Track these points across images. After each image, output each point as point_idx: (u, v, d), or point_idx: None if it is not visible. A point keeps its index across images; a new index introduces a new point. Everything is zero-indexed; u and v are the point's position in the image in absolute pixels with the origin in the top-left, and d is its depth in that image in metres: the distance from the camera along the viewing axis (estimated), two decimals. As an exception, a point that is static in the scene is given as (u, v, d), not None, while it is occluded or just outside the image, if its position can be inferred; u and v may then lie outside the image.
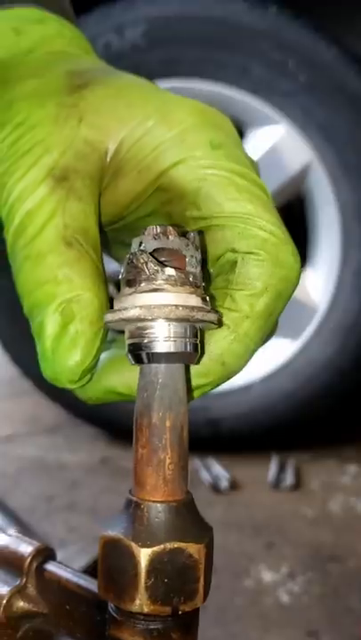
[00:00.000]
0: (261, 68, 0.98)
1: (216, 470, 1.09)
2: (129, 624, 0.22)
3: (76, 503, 1.01)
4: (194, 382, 0.25)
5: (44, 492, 1.05)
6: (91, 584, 0.25)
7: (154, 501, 0.22)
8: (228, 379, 0.27)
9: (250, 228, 0.26)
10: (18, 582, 0.25)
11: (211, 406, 1.13)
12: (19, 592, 0.25)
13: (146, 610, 0.21)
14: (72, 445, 1.22)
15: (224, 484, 1.04)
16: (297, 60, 0.97)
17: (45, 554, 0.26)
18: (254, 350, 0.27)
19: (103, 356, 0.27)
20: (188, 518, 0.22)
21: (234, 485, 1.05)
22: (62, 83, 0.26)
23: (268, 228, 0.26)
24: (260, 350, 0.94)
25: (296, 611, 0.75)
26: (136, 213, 0.27)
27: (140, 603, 0.21)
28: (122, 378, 0.27)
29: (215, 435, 1.14)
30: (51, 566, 0.26)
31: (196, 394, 0.26)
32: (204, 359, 0.26)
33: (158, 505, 0.22)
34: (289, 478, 1.05)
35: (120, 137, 0.26)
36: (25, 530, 0.91)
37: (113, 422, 1.18)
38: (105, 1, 1.02)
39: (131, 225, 0.27)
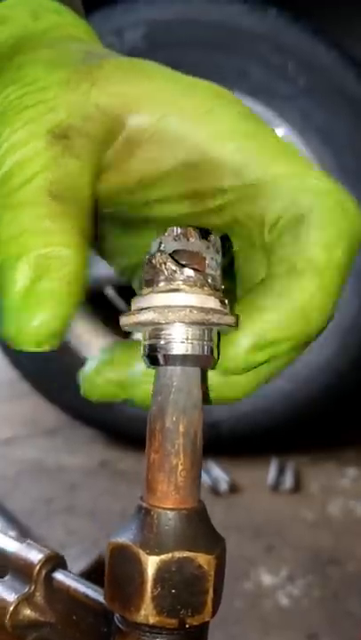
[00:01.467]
0: (260, 71, 0.98)
1: (215, 473, 1.08)
2: (134, 635, 0.21)
3: (75, 506, 1.01)
4: (270, 336, 0.23)
5: (44, 495, 1.04)
6: (99, 594, 0.24)
7: (164, 508, 0.21)
8: (310, 338, 0.24)
9: (307, 180, 0.24)
10: (26, 590, 0.25)
11: (210, 408, 1.13)
12: (26, 600, 0.25)
13: (151, 621, 0.21)
14: (71, 448, 1.22)
15: (223, 486, 1.04)
16: (296, 63, 0.97)
17: (55, 561, 0.25)
18: (334, 307, 0.25)
19: (104, 352, 0.26)
20: (200, 527, 0.22)
21: (233, 488, 1.04)
22: (77, 56, 0.25)
23: (324, 180, 0.25)
24: None
25: (296, 614, 0.74)
26: (148, 193, 0.24)
27: (146, 613, 0.21)
28: (120, 376, 0.26)
29: (215, 437, 1.14)
30: (60, 575, 0.25)
31: (267, 353, 0.23)
32: (282, 313, 0.23)
33: (169, 512, 0.21)
34: (288, 481, 1.05)
35: (139, 106, 0.24)
36: (24, 532, 0.91)
37: (112, 425, 1.18)
38: (105, 4, 1.02)
39: (139, 207, 0.25)
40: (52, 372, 1.17)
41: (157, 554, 0.21)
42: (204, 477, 1.07)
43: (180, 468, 0.22)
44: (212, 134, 0.24)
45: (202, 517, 0.22)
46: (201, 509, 0.22)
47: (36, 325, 0.22)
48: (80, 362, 1.17)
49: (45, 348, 0.22)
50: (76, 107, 0.23)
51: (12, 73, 0.24)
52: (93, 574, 0.81)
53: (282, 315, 0.23)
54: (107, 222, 0.27)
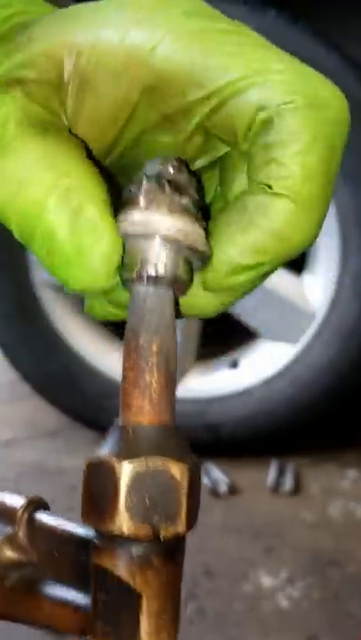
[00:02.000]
0: (260, 74, 0.98)
1: (215, 475, 1.08)
2: (109, 549, 0.22)
3: (75, 507, 1.00)
4: (246, 260, 0.22)
5: (44, 497, 1.04)
6: (80, 527, 0.25)
7: (139, 422, 0.22)
8: (290, 256, 0.22)
9: (270, 78, 0.21)
10: (9, 531, 0.25)
11: (210, 411, 1.13)
12: (9, 541, 0.25)
13: (125, 530, 0.21)
14: (72, 450, 1.22)
15: (223, 488, 1.04)
16: (296, 65, 0.97)
17: (37, 504, 0.27)
18: (321, 220, 0.22)
19: None
20: (173, 442, 0.22)
21: (233, 490, 1.04)
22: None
23: (289, 73, 0.22)
24: (260, 354, 0.96)
25: (296, 616, 0.74)
26: (127, 134, 0.22)
27: (120, 523, 0.21)
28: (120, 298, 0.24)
29: (215, 439, 1.14)
30: (41, 515, 0.26)
31: (246, 276, 0.22)
32: (258, 234, 0.21)
33: (143, 425, 0.22)
34: (288, 483, 1.05)
35: (79, 40, 0.21)
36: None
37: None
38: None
39: (126, 156, 0.23)
40: (52, 374, 1.17)
41: (131, 461, 0.21)
42: (204, 479, 1.07)
43: (155, 385, 0.22)
44: (157, 46, 0.21)
45: (175, 433, 0.23)
46: (174, 427, 0.23)
47: (101, 261, 0.20)
48: (80, 363, 1.17)
49: (116, 279, 0.21)
50: (19, 58, 0.21)
51: None
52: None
53: (253, 241, 0.21)
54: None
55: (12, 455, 1.21)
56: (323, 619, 0.74)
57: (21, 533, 0.26)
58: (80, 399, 1.17)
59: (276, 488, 1.04)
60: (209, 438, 1.14)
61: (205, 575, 0.83)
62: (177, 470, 0.22)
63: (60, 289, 1.14)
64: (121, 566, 0.22)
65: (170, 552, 0.23)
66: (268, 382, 1.10)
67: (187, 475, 0.22)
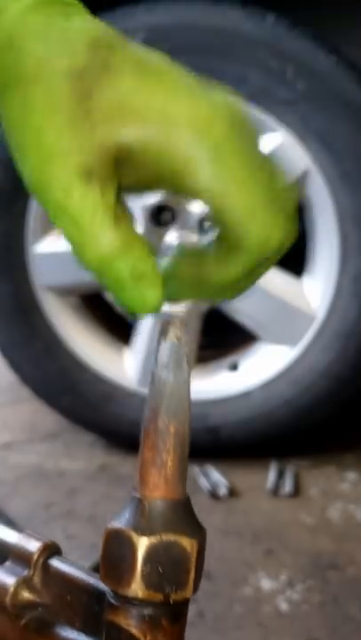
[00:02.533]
0: (259, 77, 0.98)
1: (215, 477, 1.08)
2: (124, 609, 0.25)
3: (74, 510, 1.01)
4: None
5: (43, 500, 1.04)
6: (92, 577, 0.28)
7: (155, 498, 0.25)
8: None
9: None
10: (25, 574, 0.28)
11: (210, 413, 1.13)
12: (25, 583, 0.28)
13: (140, 595, 0.24)
14: (71, 452, 1.22)
15: (223, 490, 1.04)
16: (295, 68, 0.97)
17: (52, 550, 0.29)
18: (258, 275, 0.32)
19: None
20: (185, 516, 0.25)
21: (232, 492, 1.04)
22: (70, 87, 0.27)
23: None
24: (260, 356, 0.96)
25: (295, 619, 0.74)
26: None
27: (136, 588, 0.24)
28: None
29: (214, 441, 1.14)
30: (56, 561, 0.29)
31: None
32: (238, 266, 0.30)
33: (158, 501, 0.25)
34: (288, 485, 1.05)
35: (130, 142, 0.27)
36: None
37: (112, 429, 1.18)
38: (104, 10, 1.02)
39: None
40: (51, 377, 1.17)
41: (147, 536, 0.24)
42: (203, 482, 1.07)
43: (170, 464, 0.26)
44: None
45: (187, 508, 0.26)
46: (186, 501, 0.26)
47: (149, 300, 0.27)
48: (79, 366, 1.17)
49: (157, 310, 0.28)
50: (87, 148, 0.26)
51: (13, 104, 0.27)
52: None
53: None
54: None
55: (11, 458, 1.20)
56: (322, 622, 0.74)
57: (36, 577, 0.28)
58: (79, 402, 1.17)
59: (275, 491, 1.04)
60: (209, 440, 1.14)
61: (205, 578, 0.83)
62: (188, 545, 0.25)
63: (60, 292, 1.14)
64: (134, 625, 0.25)
65: (177, 613, 0.26)
66: (267, 384, 1.10)
67: (196, 548, 0.25)
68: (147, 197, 1.06)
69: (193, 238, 1.09)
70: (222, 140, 0.26)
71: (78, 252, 0.27)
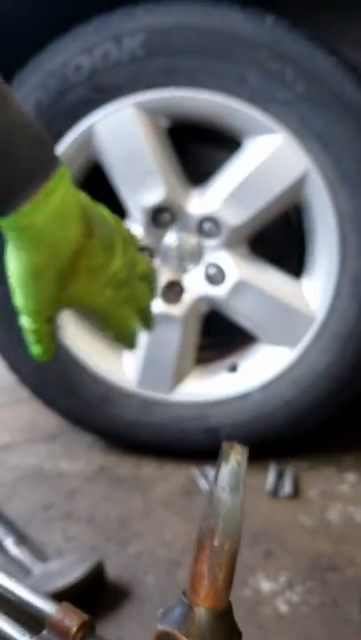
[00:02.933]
0: (259, 78, 0.98)
1: (214, 479, 1.08)
2: None
3: (73, 512, 1.01)
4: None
5: (42, 501, 1.04)
6: None
7: (205, 606, 0.29)
8: None
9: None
10: None
11: (209, 414, 1.13)
12: None
13: None
14: (70, 454, 1.22)
15: (222, 492, 1.03)
16: (294, 69, 0.97)
17: (89, 626, 0.31)
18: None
19: None
20: (229, 624, 0.30)
21: (232, 494, 1.04)
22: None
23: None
24: (259, 357, 0.98)
25: (295, 620, 0.74)
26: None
27: None
28: None
29: (214, 443, 1.14)
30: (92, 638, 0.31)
31: None
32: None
33: (208, 610, 0.29)
34: (287, 486, 1.05)
35: None
36: (22, 538, 0.91)
37: (111, 430, 1.18)
38: (103, 11, 1.02)
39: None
40: (51, 378, 1.17)
41: None
42: (203, 483, 1.07)
43: (221, 579, 0.29)
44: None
45: (230, 615, 0.30)
46: (230, 608, 0.30)
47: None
48: (79, 367, 1.17)
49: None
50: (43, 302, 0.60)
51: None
52: (91, 582, 0.81)
53: None
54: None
55: (10, 459, 1.20)
56: (322, 623, 0.73)
57: None
58: (79, 403, 1.17)
59: (274, 492, 1.04)
60: (208, 442, 1.14)
61: (204, 580, 0.83)
62: None
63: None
64: None
65: None
66: (267, 386, 1.10)
67: None
68: (146, 198, 1.06)
69: (192, 240, 1.09)
70: None
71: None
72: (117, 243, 0.57)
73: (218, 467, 0.30)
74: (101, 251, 0.55)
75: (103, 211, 0.58)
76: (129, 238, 0.60)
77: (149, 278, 0.64)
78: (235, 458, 0.30)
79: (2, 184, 0.48)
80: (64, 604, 0.32)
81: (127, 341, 0.65)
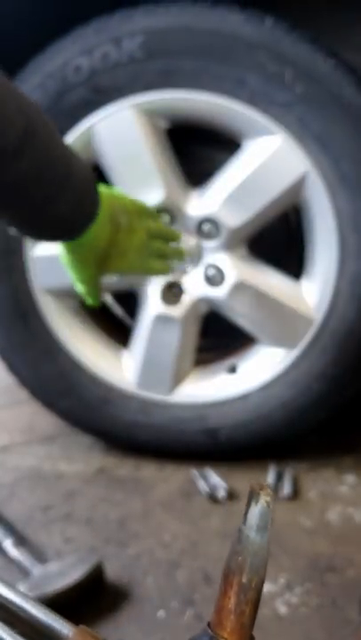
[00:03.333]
0: (258, 80, 0.98)
1: (213, 480, 1.08)
2: None
3: (72, 513, 1.01)
4: None
5: (41, 502, 1.04)
6: None
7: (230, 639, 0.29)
8: None
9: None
10: None
11: (208, 415, 1.13)
12: None
13: None
14: (69, 455, 1.22)
15: (221, 493, 1.04)
16: (293, 71, 0.97)
17: None
18: None
19: None
20: None
21: (231, 495, 1.04)
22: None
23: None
24: (258, 359, 0.98)
25: (294, 622, 0.74)
26: None
27: None
28: None
29: (212, 444, 1.14)
30: None
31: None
32: None
33: None
34: (286, 488, 1.05)
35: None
36: (21, 540, 0.90)
37: (110, 432, 1.18)
38: (103, 13, 1.03)
39: None
40: (49, 379, 1.17)
41: None
42: (202, 484, 1.07)
43: (248, 612, 0.30)
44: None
45: None
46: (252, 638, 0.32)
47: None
48: (78, 368, 1.17)
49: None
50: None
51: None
52: (90, 583, 0.81)
53: None
54: None
55: (9, 460, 1.20)
56: (321, 625, 0.73)
57: None
58: (78, 404, 1.17)
59: (274, 493, 1.04)
60: (207, 443, 1.13)
61: (204, 581, 0.83)
62: None
63: (59, 294, 1.14)
64: None
65: None
66: (266, 387, 1.11)
67: None
68: (145, 199, 1.06)
69: (192, 241, 1.09)
70: None
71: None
72: (135, 222, 0.81)
73: (247, 506, 0.31)
74: (125, 236, 0.78)
75: (120, 197, 0.79)
76: (144, 212, 0.85)
77: (164, 235, 0.90)
78: (264, 499, 0.31)
79: (73, 219, 0.70)
80: (81, 627, 0.32)
81: (161, 273, 0.90)
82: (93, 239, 0.74)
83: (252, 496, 0.31)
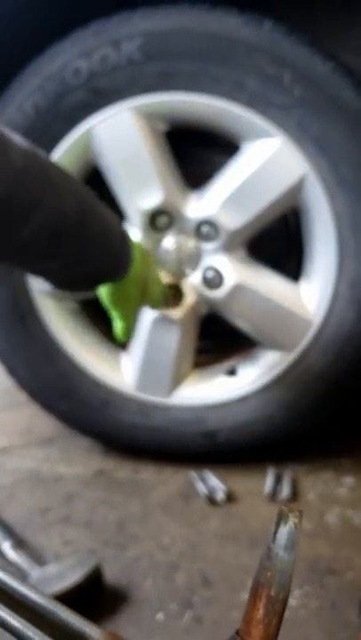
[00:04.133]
0: (257, 82, 0.99)
1: (212, 482, 1.08)
2: None
3: (71, 516, 1.01)
4: None
5: (40, 505, 1.04)
6: None
7: None
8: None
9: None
10: None
11: (207, 418, 1.13)
12: None
13: None
14: (68, 457, 1.21)
15: (220, 495, 1.03)
16: (292, 74, 0.97)
17: None
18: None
19: None
20: None
21: (230, 497, 1.04)
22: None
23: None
24: (258, 361, 0.98)
25: (293, 624, 0.74)
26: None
27: None
28: None
29: (211, 446, 1.14)
30: None
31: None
32: None
33: None
34: (286, 490, 1.05)
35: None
36: (20, 542, 0.90)
37: (109, 434, 1.18)
38: (102, 15, 1.03)
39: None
40: (48, 381, 1.17)
41: None
42: (201, 487, 1.07)
43: (274, 624, 0.33)
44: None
45: None
46: None
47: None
48: (77, 371, 1.17)
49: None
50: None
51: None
52: (89, 586, 0.80)
53: None
54: None
55: (7, 463, 1.20)
56: (320, 627, 0.73)
57: None
58: (77, 407, 1.16)
59: (273, 495, 1.04)
60: (206, 445, 1.13)
61: (202, 583, 0.82)
62: None
63: (58, 297, 1.14)
64: None
65: None
66: (265, 389, 1.11)
67: None
68: (144, 202, 1.06)
69: (190, 243, 1.09)
70: None
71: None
72: (151, 265, 0.91)
73: (276, 526, 0.34)
74: (151, 266, 0.90)
75: (140, 247, 0.86)
76: (151, 258, 0.92)
77: (160, 281, 0.97)
78: (293, 520, 0.34)
79: (117, 265, 0.79)
80: (110, 631, 0.35)
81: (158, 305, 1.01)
82: (138, 272, 0.82)
83: (282, 517, 0.34)
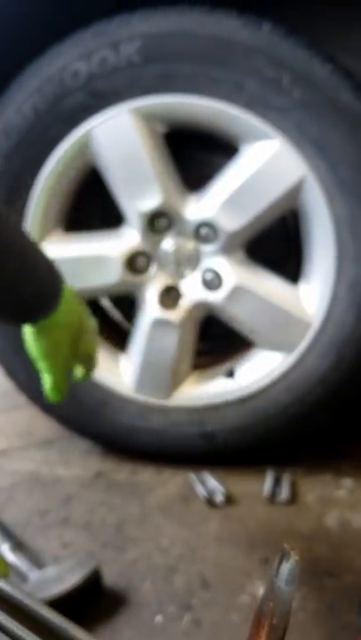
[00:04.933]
0: (255, 84, 0.99)
1: (211, 484, 1.08)
2: None
3: (70, 518, 1.00)
4: None
5: (38, 507, 1.04)
6: None
7: None
8: None
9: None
10: None
11: (206, 419, 1.13)
12: None
13: None
14: (66, 459, 1.21)
15: (219, 497, 1.03)
16: (291, 76, 0.98)
17: None
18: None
19: None
20: None
21: (229, 499, 1.04)
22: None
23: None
24: (256, 363, 0.98)
25: (292, 627, 0.74)
26: None
27: None
28: None
29: (210, 448, 1.14)
30: None
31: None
32: None
33: None
34: (284, 492, 1.05)
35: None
36: (18, 544, 0.90)
37: (107, 436, 1.18)
38: (101, 17, 1.03)
39: None
40: (47, 383, 1.16)
41: None
42: (200, 488, 1.07)
43: None
44: None
45: None
46: None
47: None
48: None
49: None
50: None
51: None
52: (88, 588, 0.80)
53: None
54: None
55: (6, 464, 1.20)
56: (319, 630, 0.73)
57: None
58: (75, 409, 1.16)
59: (272, 497, 1.04)
60: (205, 447, 1.13)
61: (201, 586, 0.82)
62: None
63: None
64: None
65: None
66: (264, 391, 1.10)
67: None
68: (143, 204, 1.06)
69: (189, 245, 1.09)
70: None
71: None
72: (85, 314, 0.82)
73: (279, 562, 0.38)
74: (88, 322, 0.82)
75: (72, 292, 0.77)
76: (86, 308, 0.83)
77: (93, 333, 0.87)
78: (294, 558, 0.38)
79: (37, 303, 0.69)
80: None
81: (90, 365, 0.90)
82: (67, 313, 0.72)
83: (284, 555, 0.38)
